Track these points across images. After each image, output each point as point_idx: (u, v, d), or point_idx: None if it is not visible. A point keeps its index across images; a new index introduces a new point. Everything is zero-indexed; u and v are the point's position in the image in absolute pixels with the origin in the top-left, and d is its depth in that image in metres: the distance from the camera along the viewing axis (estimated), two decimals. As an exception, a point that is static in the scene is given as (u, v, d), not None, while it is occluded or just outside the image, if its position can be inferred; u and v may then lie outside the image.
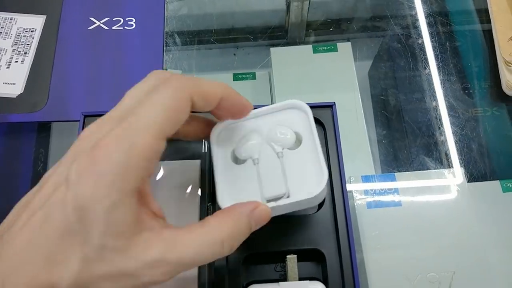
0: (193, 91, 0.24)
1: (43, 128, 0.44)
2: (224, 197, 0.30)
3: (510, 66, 0.44)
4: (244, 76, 0.60)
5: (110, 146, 0.21)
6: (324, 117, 0.37)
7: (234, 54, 0.62)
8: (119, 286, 0.22)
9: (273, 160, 0.31)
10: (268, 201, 0.30)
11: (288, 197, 0.30)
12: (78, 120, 0.36)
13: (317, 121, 0.37)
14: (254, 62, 0.60)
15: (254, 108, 0.32)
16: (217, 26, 0.62)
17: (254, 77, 0.60)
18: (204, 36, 0.61)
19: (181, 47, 0.58)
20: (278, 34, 0.62)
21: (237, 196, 0.30)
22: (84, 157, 0.22)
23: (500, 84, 0.48)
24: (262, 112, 0.33)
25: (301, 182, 0.30)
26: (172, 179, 0.35)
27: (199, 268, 0.33)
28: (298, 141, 0.32)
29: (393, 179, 0.42)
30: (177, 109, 0.23)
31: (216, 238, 0.24)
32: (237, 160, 0.32)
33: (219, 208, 0.28)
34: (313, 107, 0.37)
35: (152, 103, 0.23)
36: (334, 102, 0.37)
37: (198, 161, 0.36)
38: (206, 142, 0.37)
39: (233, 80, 0.60)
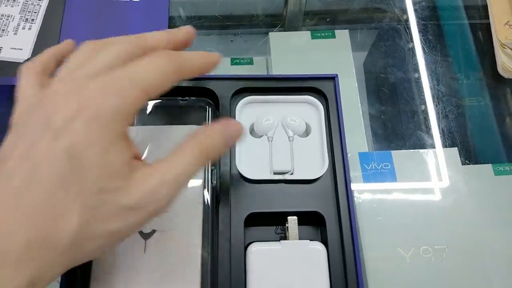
0: (183, 67, 0.26)
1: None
2: (241, 163, 0.35)
3: (505, 48, 0.46)
4: (242, 61, 0.61)
5: (104, 91, 0.22)
6: (326, 88, 0.38)
7: (232, 41, 0.63)
8: (128, 223, 0.23)
9: (285, 141, 0.37)
10: (275, 173, 0.35)
11: (292, 174, 0.35)
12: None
13: (319, 92, 0.38)
14: (251, 49, 0.61)
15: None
16: (216, 13, 0.62)
17: (251, 62, 0.60)
18: (202, 21, 0.61)
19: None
20: (275, 22, 0.62)
21: (251, 163, 0.36)
22: (70, 103, 0.22)
23: (495, 67, 0.50)
24: (282, 99, 0.38)
25: (305, 165, 0.36)
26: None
27: (203, 225, 0.33)
28: (308, 131, 0.37)
29: (389, 157, 0.43)
30: (166, 78, 0.25)
31: (197, 154, 0.25)
32: (254, 134, 0.37)
33: (219, 173, 0.34)
34: (314, 78, 0.38)
35: (147, 64, 0.24)
36: (337, 74, 0.38)
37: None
38: (209, 111, 0.38)
39: (231, 65, 0.60)
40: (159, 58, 0.25)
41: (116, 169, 0.22)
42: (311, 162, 0.36)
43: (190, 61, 0.27)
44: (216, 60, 0.29)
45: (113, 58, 0.25)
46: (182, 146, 0.25)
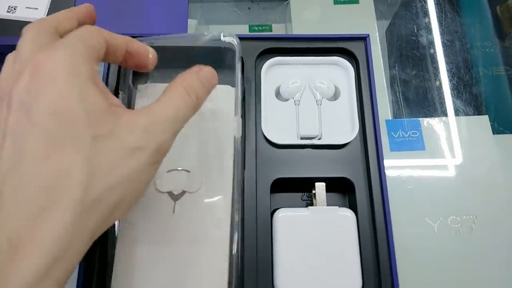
0: (107, 37, 0.25)
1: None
2: (267, 127, 0.34)
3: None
4: (260, 28, 0.59)
5: (57, 50, 0.22)
6: (357, 49, 0.36)
7: (249, 8, 0.61)
8: (136, 164, 0.22)
9: (312, 105, 0.35)
10: (302, 138, 0.34)
11: (320, 139, 0.34)
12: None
13: (349, 54, 0.36)
14: (269, 16, 0.59)
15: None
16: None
17: (270, 30, 0.59)
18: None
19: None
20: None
21: (277, 128, 0.34)
22: (25, 75, 0.21)
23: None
24: (309, 61, 0.36)
25: (334, 129, 0.34)
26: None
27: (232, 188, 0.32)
28: (337, 95, 0.36)
29: (418, 124, 0.41)
30: (101, 42, 0.25)
31: (182, 93, 0.25)
32: (280, 97, 0.36)
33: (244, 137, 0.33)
34: (344, 38, 0.36)
35: (84, 30, 0.24)
36: (368, 34, 0.36)
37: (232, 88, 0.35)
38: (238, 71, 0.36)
39: (249, 32, 0.58)
40: (90, 27, 0.25)
41: (100, 112, 0.22)
42: (340, 127, 0.34)
43: (114, 36, 0.26)
44: (154, 60, 0.29)
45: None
46: (167, 90, 0.26)
